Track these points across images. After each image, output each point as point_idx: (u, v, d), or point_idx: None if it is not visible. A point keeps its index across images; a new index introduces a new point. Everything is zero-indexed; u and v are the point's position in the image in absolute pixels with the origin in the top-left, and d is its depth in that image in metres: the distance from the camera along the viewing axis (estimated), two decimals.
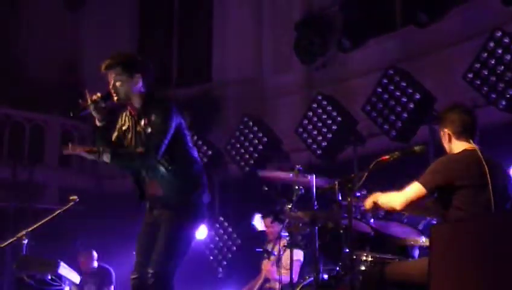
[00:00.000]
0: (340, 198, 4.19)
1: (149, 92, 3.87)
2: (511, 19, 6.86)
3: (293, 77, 9.34)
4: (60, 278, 5.50)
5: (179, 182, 3.80)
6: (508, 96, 6.39)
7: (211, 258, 8.86)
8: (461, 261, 2.90)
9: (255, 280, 6.37)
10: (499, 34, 6.48)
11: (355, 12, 8.49)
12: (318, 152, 7.93)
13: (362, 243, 4.02)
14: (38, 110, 10.69)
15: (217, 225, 8.87)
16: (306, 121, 8.04)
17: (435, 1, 7.51)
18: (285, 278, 5.45)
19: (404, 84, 7.13)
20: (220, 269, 8.83)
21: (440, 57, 7.71)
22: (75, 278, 5.74)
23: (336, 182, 3.77)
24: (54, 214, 4.98)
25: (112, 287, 7.16)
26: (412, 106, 7.03)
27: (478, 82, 6.59)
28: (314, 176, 4.63)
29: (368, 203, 3.66)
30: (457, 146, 3.59)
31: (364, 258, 3.85)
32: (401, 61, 7.67)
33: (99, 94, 3.76)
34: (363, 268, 3.81)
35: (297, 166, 4.71)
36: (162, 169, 3.78)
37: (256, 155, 8.57)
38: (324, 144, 7.86)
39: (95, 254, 7.29)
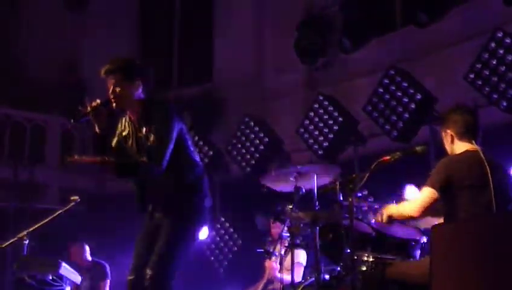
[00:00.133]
0: (341, 198, 4.19)
1: (149, 97, 3.84)
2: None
3: (294, 77, 9.34)
4: (61, 278, 5.49)
5: (180, 187, 3.78)
6: (510, 96, 6.39)
7: (212, 258, 8.86)
8: (462, 262, 2.89)
9: (258, 282, 6.37)
10: (500, 34, 6.47)
11: (356, 12, 8.48)
12: (319, 152, 7.93)
13: (363, 243, 4.02)
14: (38, 110, 10.69)
15: (218, 226, 8.87)
16: (307, 121, 8.04)
17: (435, 1, 7.50)
18: (287, 278, 5.45)
19: (405, 84, 7.13)
20: (221, 270, 8.83)
21: (441, 57, 7.71)
22: (76, 278, 5.73)
23: (337, 182, 3.77)
24: (55, 215, 4.98)
25: (108, 281, 7.15)
26: (413, 106, 7.03)
27: (479, 82, 6.58)
28: (315, 176, 4.62)
29: (383, 217, 3.62)
30: (460, 147, 3.59)
31: (365, 258, 3.84)
32: (401, 62, 7.66)
33: (98, 101, 3.72)
34: (364, 268, 3.81)
35: (298, 166, 4.71)
36: (164, 174, 3.75)
37: (258, 155, 8.57)
38: (325, 144, 7.86)
39: (87, 248, 7.27)
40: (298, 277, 5.46)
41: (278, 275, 5.87)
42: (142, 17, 11.84)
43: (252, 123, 8.68)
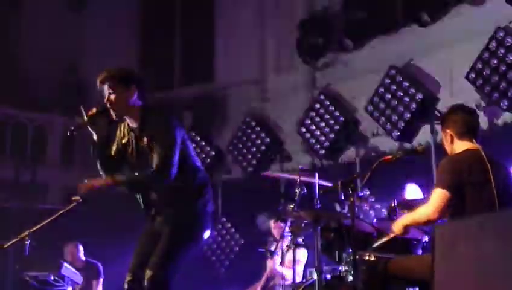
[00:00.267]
0: (342, 198, 4.19)
1: (146, 104, 3.82)
2: None
3: (296, 77, 9.33)
4: (63, 278, 5.50)
5: (183, 193, 3.76)
6: (511, 95, 6.38)
7: (214, 258, 8.86)
8: (464, 260, 2.89)
9: (258, 281, 6.38)
10: (501, 33, 6.47)
11: (357, 12, 8.48)
12: (321, 152, 7.93)
13: (365, 243, 4.02)
14: (39, 110, 10.70)
15: (220, 226, 8.87)
16: (308, 121, 8.05)
17: (437, 0, 7.51)
18: (287, 273, 5.46)
19: (406, 84, 7.13)
20: (223, 270, 8.83)
21: (442, 56, 7.70)
22: (78, 278, 5.74)
23: (339, 182, 3.77)
24: (57, 215, 4.97)
25: (101, 279, 7.16)
26: (414, 105, 7.03)
27: (481, 81, 6.59)
28: (316, 175, 4.63)
29: (397, 228, 3.60)
30: (459, 147, 3.58)
31: (367, 258, 3.84)
32: (403, 61, 7.66)
33: (94, 109, 3.73)
34: (365, 268, 3.80)
35: (300, 166, 4.71)
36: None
37: (259, 155, 8.57)
38: (326, 144, 7.86)
39: (81, 248, 7.30)
40: (298, 275, 5.47)
41: (278, 268, 5.88)
42: (143, 17, 11.84)
43: (254, 123, 8.69)
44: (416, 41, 7.98)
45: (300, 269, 5.82)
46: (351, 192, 3.60)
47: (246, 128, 8.72)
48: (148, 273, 3.65)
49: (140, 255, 3.82)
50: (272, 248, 5.59)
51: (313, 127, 7.97)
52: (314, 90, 8.63)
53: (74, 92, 10.74)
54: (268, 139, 8.56)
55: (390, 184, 5.99)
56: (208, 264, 8.74)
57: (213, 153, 9.05)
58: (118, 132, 3.92)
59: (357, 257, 3.74)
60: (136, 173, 3.75)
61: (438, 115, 6.72)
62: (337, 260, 4.36)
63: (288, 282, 5.35)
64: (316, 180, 4.74)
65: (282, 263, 5.67)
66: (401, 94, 7.12)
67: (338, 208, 4.84)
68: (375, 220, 4.48)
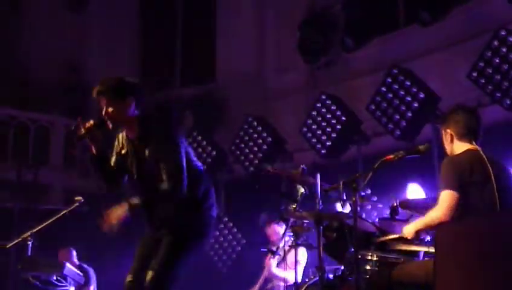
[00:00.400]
0: (344, 198, 4.19)
1: (144, 114, 3.79)
2: None
3: (297, 76, 9.34)
4: (65, 278, 5.50)
5: (190, 201, 3.73)
6: None
7: (216, 258, 8.86)
8: (466, 261, 2.89)
9: (257, 281, 6.38)
10: (503, 32, 6.47)
11: (358, 11, 8.48)
12: (322, 152, 7.93)
13: (367, 242, 4.02)
14: (42, 111, 10.71)
15: (222, 225, 8.87)
16: (310, 121, 8.04)
17: (438, 0, 7.50)
18: (286, 275, 5.46)
19: (408, 83, 7.13)
20: (225, 270, 8.83)
21: (444, 55, 7.70)
22: (80, 278, 5.74)
23: (341, 182, 3.77)
24: (59, 215, 4.99)
25: (92, 287, 7.15)
26: (416, 105, 7.02)
27: (482, 81, 6.58)
28: (318, 175, 4.63)
29: (409, 233, 3.59)
30: (459, 147, 3.58)
31: (369, 257, 3.84)
32: (404, 60, 7.66)
33: (92, 121, 3.69)
34: (368, 268, 3.81)
35: (301, 165, 4.71)
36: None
37: (261, 155, 8.57)
38: (328, 143, 7.86)
39: (74, 253, 7.30)
40: (298, 275, 5.47)
41: (275, 270, 5.88)
42: (144, 18, 11.85)
43: (255, 123, 8.69)
44: (417, 40, 7.98)
45: (300, 269, 5.82)
46: (353, 191, 3.60)
47: (248, 128, 8.72)
48: (149, 274, 3.64)
49: (142, 258, 3.80)
50: (274, 248, 5.59)
51: (315, 127, 7.97)
52: (315, 90, 8.62)
53: (76, 93, 10.75)
54: (270, 139, 8.56)
55: (392, 184, 5.99)
56: (210, 264, 8.74)
57: (214, 153, 9.06)
58: (116, 143, 3.88)
59: (359, 256, 3.74)
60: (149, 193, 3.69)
61: (440, 114, 6.71)
62: (339, 259, 4.36)
63: (290, 283, 5.35)
64: (318, 180, 4.74)
65: (281, 264, 5.66)
66: (403, 93, 7.12)
67: (339, 208, 4.84)
68: (377, 219, 4.48)
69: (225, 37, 10.57)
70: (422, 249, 3.75)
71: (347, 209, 4.65)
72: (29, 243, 4.99)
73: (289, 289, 5.34)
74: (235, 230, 8.84)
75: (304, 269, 5.86)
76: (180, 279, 3.75)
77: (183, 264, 3.73)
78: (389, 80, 7.27)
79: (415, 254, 3.91)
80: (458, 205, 3.37)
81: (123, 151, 3.83)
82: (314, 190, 4.73)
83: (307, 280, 4.77)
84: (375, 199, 4.87)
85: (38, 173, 9.99)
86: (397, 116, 7.17)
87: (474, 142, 3.55)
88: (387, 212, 4.36)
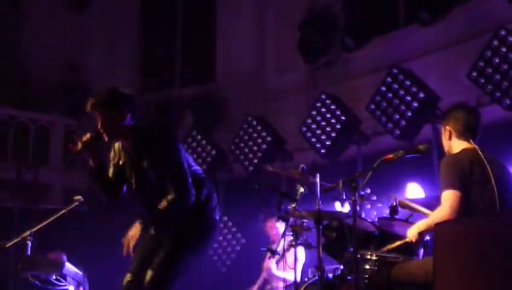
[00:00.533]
0: (344, 197, 4.19)
1: (139, 124, 3.79)
2: None
3: (297, 76, 9.34)
4: (65, 278, 5.50)
5: (194, 207, 3.73)
6: None
7: (215, 258, 8.86)
8: (465, 260, 2.89)
9: (256, 282, 6.37)
10: (503, 32, 6.47)
11: (358, 11, 8.48)
12: (322, 151, 7.93)
13: (366, 242, 4.02)
14: (42, 111, 10.71)
15: (221, 225, 8.87)
16: (310, 120, 8.04)
17: (438, 0, 7.50)
18: (286, 275, 5.46)
19: (408, 83, 7.13)
20: (224, 269, 8.83)
21: (444, 55, 7.70)
22: (80, 278, 5.74)
23: (340, 181, 3.77)
24: (59, 214, 4.99)
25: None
26: (415, 104, 7.03)
27: (482, 80, 6.58)
28: (318, 175, 4.63)
29: (412, 235, 3.58)
30: (457, 145, 3.58)
31: (368, 257, 3.84)
32: (404, 60, 7.66)
33: (88, 135, 3.70)
34: (367, 267, 3.80)
35: (301, 165, 4.71)
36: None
37: (260, 155, 8.57)
38: (328, 143, 7.86)
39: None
40: (298, 273, 5.47)
41: (276, 273, 5.88)
42: (144, 18, 11.84)
43: (255, 122, 8.69)
44: (417, 40, 7.98)
45: (298, 266, 5.81)
46: (352, 191, 3.60)
47: (248, 127, 8.73)
48: (148, 275, 3.63)
49: (142, 257, 3.80)
50: (274, 246, 5.59)
51: (314, 126, 7.97)
52: (315, 90, 8.62)
53: (76, 93, 10.75)
54: (269, 139, 8.57)
55: (392, 183, 5.99)
56: (210, 264, 8.73)
57: (214, 153, 9.06)
58: (112, 153, 3.88)
59: (359, 256, 3.74)
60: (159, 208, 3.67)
61: (440, 114, 6.71)
62: (338, 259, 4.36)
63: (289, 282, 5.35)
64: (318, 179, 4.73)
65: (280, 264, 5.66)
66: (403, 93, 7.12)
67: (338, 207, 4.84)
68: (376, 219, 4.48)
69: (225, 37, 10.57)
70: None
71: (346, 208, 4.65)
72: (28, 242, 4.99)
73: (288, 289, 5.34)
74: (235, 230, 8.84)
75: (303, 269, 5.86)
76: (179, 279, 3.75)
77: (184, 265, 3.73)
78: (389, 79, 7.28)
79: (415, 253, 3.91)
80: (462, 204, 3.36)
81: (121, 162, 3.83)
82: (313, 189, 4.72)
83: (306, 280, 4.77)
84: (374, 198, 4.86)
85: (38, 172, 9.98)
86: (397, 116, 7.17)
87: (472, 141, 3.55)
88: (386, 212, 4.36)
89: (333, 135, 7.81)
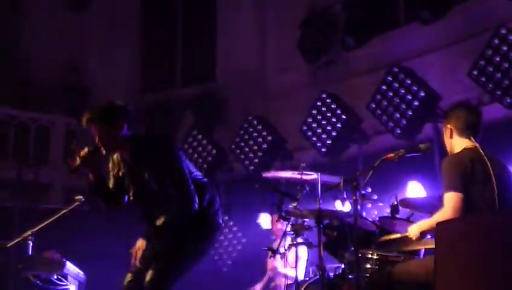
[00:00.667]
0: (345, 196, 4.19)
1: (136, 133, 3.79)
2: None
3: (297, 75, 9.33)
4: (66, 277, 5.50)
5: (197, 212, 3.73)
6: None
7: (216, 257, 8.87)
8: (466, 259, 2.89)
9: (260, 281, 6.37)
10: (503, 31, 6.46)
11: (358, 10, 8.48)
12: (323, 150, 7.93)
13: (367, 241, 4.02)
14: (42, 110, 10.72)
15: (222, 224, 8.87)
16: (310, 120, 8.04)
17: None
18: (289, 273, 5.46)
19: (408, 81, 7.12)
20: (225, 269, 8.83)
21: (444, 54, 7.69)
22: (81, 277, 5.74)
23: (341, 180, 3.76)
24: (59, 214, 4.99)
25: None
26: (416, 103, 7.02)
27: (483, 79, 6.57)
28: (319, 174, 4.63)
29: (414, 233, 3.57)
30: (458, 143, 3.57)
31: (369, 256, 3.84)
32: (405, 59, 7.65)
33: (86, 150, 3.70)
34: (368, 266, 3.80)
35: (302, 164, 4.71)
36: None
37: (261, 154, 8.57)
38: (329, 142, 7.86)
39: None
40: (300, 272, 5.47)
41: (282, 270, 5.89)
42: (144, 18, 11.84)
43: (255, 122, 8.69)
44: (418, 39, 7.98)
45: (301, 265, 5.82)
46: (353, 190, 3.60)
47: (248, 127, 8.73)
48: (149, 275, 3.63)
49: (143, 258, 3.78)
50: (275, 247, 5.59)
51: (315, 125, 7.97)
52: (316, 89, 8.62)
53: (76, 93, 10.75)
54: (270, 138, 8.57)
55: (392, 182, 5.99)
56: (211, 263, 8.74)
57: (215, 152, 9.06)
58: (111, 164, 3.88)
59: (360, 255, 3.74)
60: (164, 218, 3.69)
61: (440, 113, 6.71)
62: (340, 258, 4.36)
63: (291, 281, 5.35)
64: (319, 179, 4.74)
65: (284, 262, 5.66)
66: (403, 92, 7.12)
67: (339, 206, 4.85)
68: (377, 218, 4.48)
69: (225, 37, 10.57)
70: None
71: (347, 207, 4.66)
72: (29, 242, 4.99)
73: (290, 287, 5.34)
74: (236, 229, 8.84)
75: (306, 267, 5.87)
76: (180, 279, 3.75)
77: (184, 267, 3.73)
78: (390, 78, 7.27)
79: (416, 252, 3.91)
80: (464, 206, 3.35)
81: (120, 173, 3.83)
82: (314, 188, 4.73)
83: (307, 279, 4.77)
84: (375, 197, 4.87)
85: (38, 172, 9.99)
86: (397, 115, 7.17)
87: (473, 139, 3.55)
88: (387, 211, 4.36)
89: (334, 134, 7.81)
